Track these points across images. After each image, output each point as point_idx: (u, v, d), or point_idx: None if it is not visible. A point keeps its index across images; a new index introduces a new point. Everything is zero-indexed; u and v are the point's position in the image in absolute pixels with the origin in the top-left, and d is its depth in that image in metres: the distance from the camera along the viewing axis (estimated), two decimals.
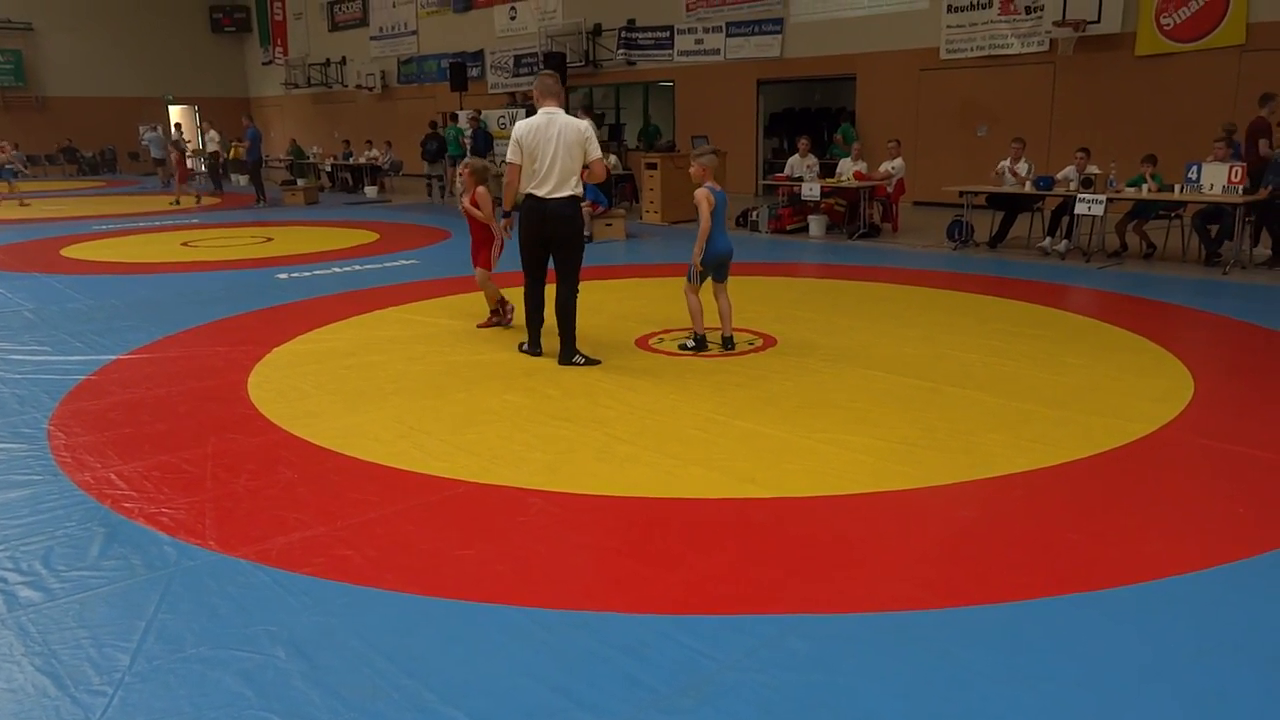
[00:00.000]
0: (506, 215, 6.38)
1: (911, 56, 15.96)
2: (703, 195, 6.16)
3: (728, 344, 6.41)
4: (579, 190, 6.02)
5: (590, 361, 6.08)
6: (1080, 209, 10.07)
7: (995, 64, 15.05)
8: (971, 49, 15.25)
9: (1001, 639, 2.83)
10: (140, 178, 27.50)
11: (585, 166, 6.03)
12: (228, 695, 2.61)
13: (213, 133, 23.46)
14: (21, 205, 18.32)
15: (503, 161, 6.91)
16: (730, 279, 6.50)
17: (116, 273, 10.18)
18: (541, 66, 20.40)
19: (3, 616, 3.04)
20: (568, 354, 6.10)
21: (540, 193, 5.88)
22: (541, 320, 6.30)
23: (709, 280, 6.36)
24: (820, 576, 3.24)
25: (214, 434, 4.78)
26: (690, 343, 6.42)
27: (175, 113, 31.71)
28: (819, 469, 4.22)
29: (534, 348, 6.32)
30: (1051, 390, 5.39)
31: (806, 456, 4.38)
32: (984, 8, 14.98)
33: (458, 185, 6.90)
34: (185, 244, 12.87)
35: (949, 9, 15.35)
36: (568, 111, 6.08)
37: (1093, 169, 10.55)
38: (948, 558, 3.37)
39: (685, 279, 6.35)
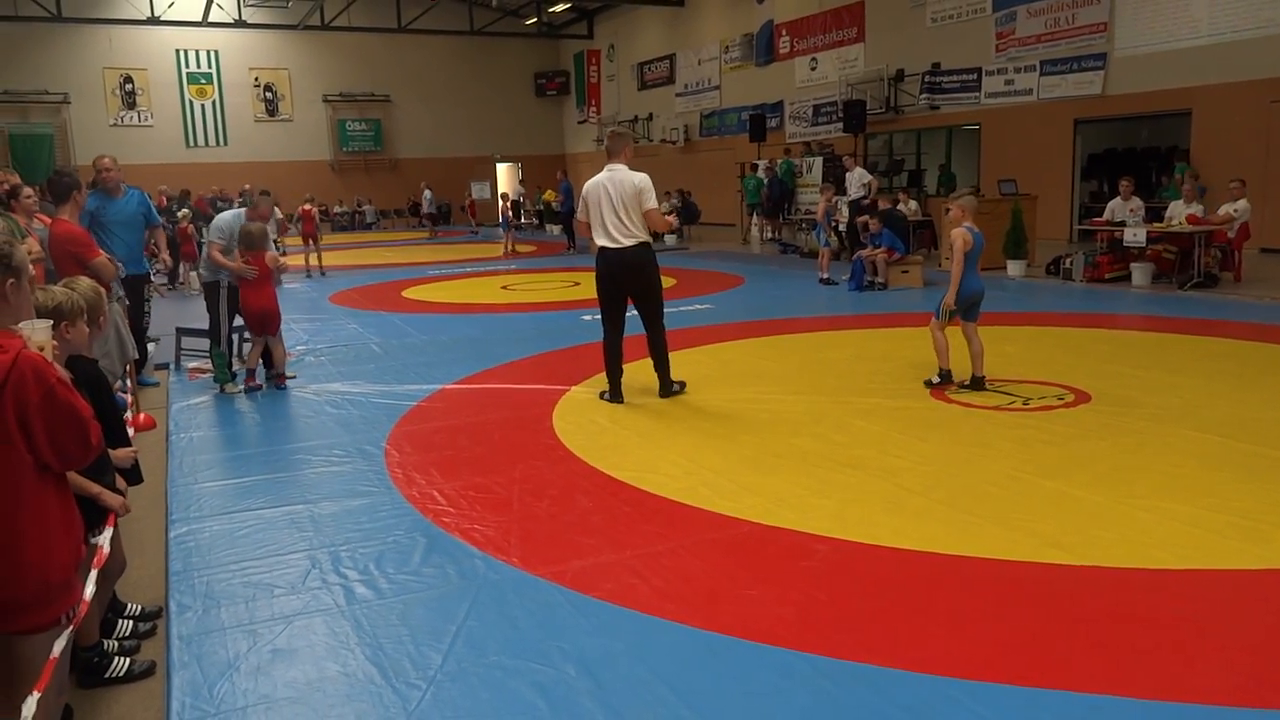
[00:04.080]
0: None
1: (1260, 87, 14.22)
2: (959, 235, 6.28)
3: (978, 384, 6.34)
4: (646, 237, 6.24)
5: (682, 385, 6.54)
6: None
7: None
8: None
9: None
10: (467, 228, 30.56)
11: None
12: (523, 704, 2.78)
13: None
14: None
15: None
16: (1037, 329, 6.13)
17: (446, 312, 11.33)
18: (840, 115, 20.38)
19: (343, 609, 3.45)
20: (666, 388, 6.46)
21: (609, 244, 6.20)
22: (620, 370, 6.45)
23: (959, 319, 6.43)
24: (1131, 656, 2.92)
25: (521, 461, 5.17)
26: (936, 379, 6.47)
27: (501, 170, 34.97)
28: (1136, 538, 3.82)
29: (615, 396, 6.42)
30: None
31: (1122, 524, 3.98)
32: None
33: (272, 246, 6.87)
34: (505, 287, 14.09)
35: None
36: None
37: None
38: None
39: (934, 316, 6.46)
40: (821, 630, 3.16)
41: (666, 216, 6.77)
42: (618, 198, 6.16)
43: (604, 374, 6.48)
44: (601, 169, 6.34)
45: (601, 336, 6.48)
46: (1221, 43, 14.67)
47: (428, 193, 26.58)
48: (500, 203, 22.77)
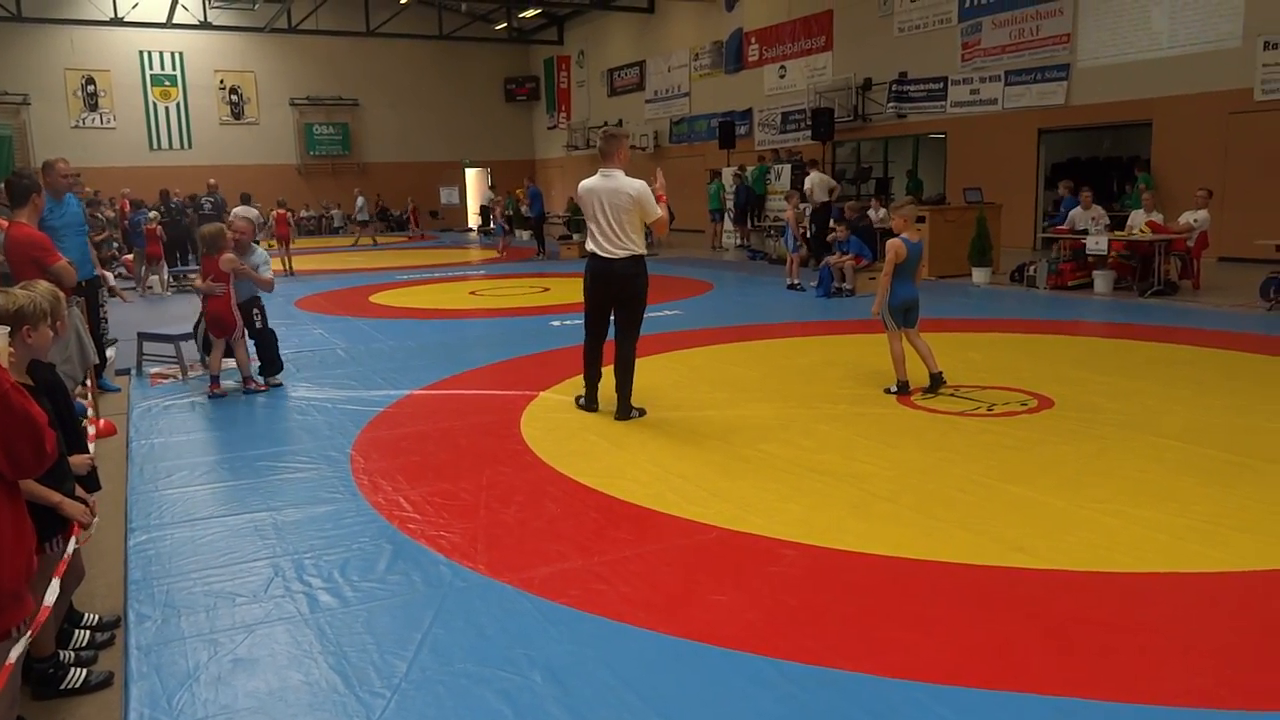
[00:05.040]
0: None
1: (1219, 98, 14.51)
2: (893, 245, 6.39)
3: (937, 381, 6.48)
4: (639, 249, 6.00)
5: (641, 412, 6.15)
6: None
7: None
8: None
9: None
10: (438, 233, 30.37)
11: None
12: (489, 712, 2.76)
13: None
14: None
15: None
16: (1001, 335, 6.20)
17: (414, 317, 11.25)
18: (809, 122, 20.52)
19: (306, 617, 3.40)
20: (624, 410, 6.10)
21: (600, 252, 5.98)
22: (599, 376, 6.29)
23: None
24: (1095, 659, 2.95)
25: (489, 466, 5.13)
26: (894, 389, 6.53)
27: (470, 175, 34.83)
28: (1100, 542, 3.86)
29: (590, 403, 6.31)
30: None
31: (1086, 528, 4.03)
32: None
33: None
34: (473, 293, 14.02)
35: (1266, 46, 13.86)
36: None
37: None
38: (1252, 654, 2.96)
39: (884, 328, 6.61)
40: (789, 635, 3.16)
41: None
42: (611, 208, 5.89)
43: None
44: (573, 174, 6.25)
45: (581, 340, 6.33)
46: (1181, 55, 14.96)
47: (360, 199, 26.04)
48: (493, 210, 23.09)
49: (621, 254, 5.96)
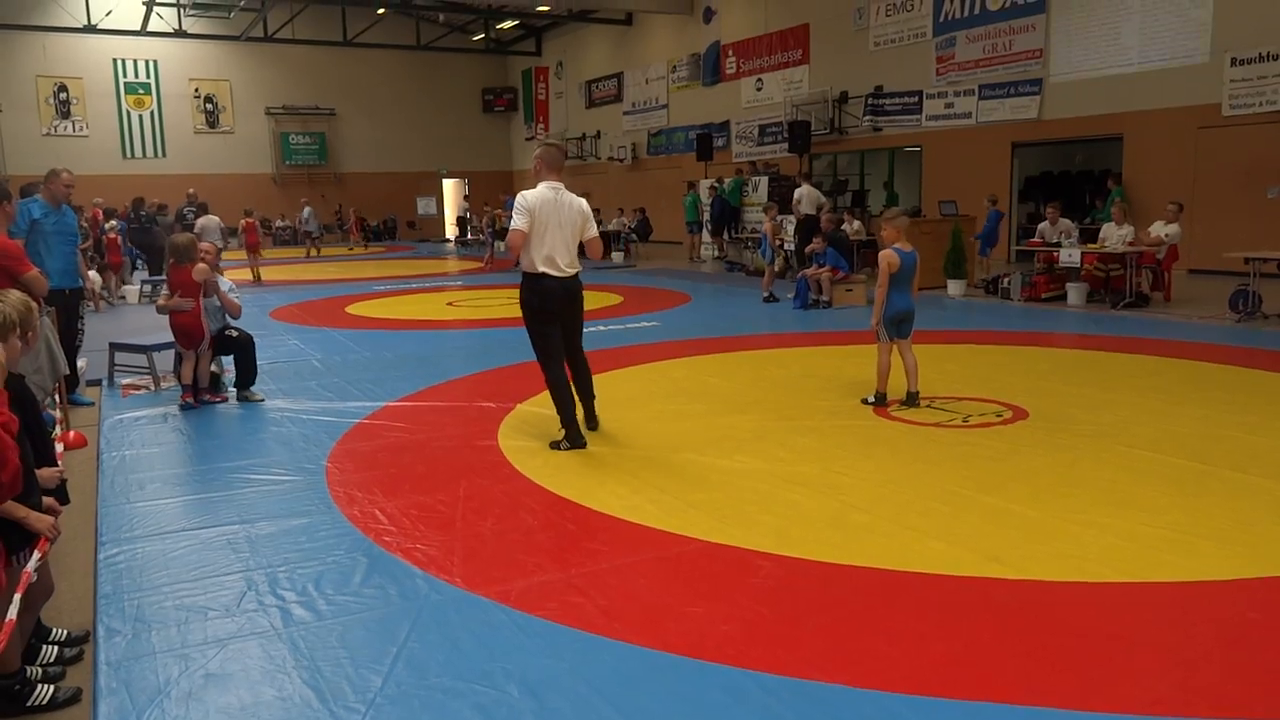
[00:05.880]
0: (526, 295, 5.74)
1: (1188, 113, 14.75)
2: (885, 256, 6.40)
3: (912, 400, 6.44)
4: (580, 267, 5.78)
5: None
6: None
7: None
8: (1261, 104, 13.89)
9: None
10: (415, 244, 30.25)
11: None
12: None
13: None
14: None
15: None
16: (976, 347, 6.24)
17: (391, 328, 11.19)
18: (786, 135, 20.64)
19: (280, 631, 3.37)
20: (595, 416, 6.02)
21: (554, 272, 5.58)
22: (575, 404, 5.80)
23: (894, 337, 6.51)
24: (1068, 669, 2.97)
25: (466, 478, 5.11)
26: (871, 399, 6.55)
27: (448, 185, 34.74)
28: (1073, 552, 3.90)
29: (577, 439, 5.67)
30: None
31: (1059, 538, 4.06)
32: (1276, 59, 13.64)
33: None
34: (450, 304, 13.97)
35: (1233, 62, 14.10)
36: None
37: None
38: (1219, 663, 3.00)
39: (875, 338, 6.58)
40: (767, 647, 3.16)
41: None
42: (569, 223, 5.63)
43: (539, 396, 6.20)
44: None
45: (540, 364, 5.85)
46: (1151, 71, 15.20)
47: (307, 209, 25.50)
48: (479, 219, 23.07)
49: (574, 271, 5.71)
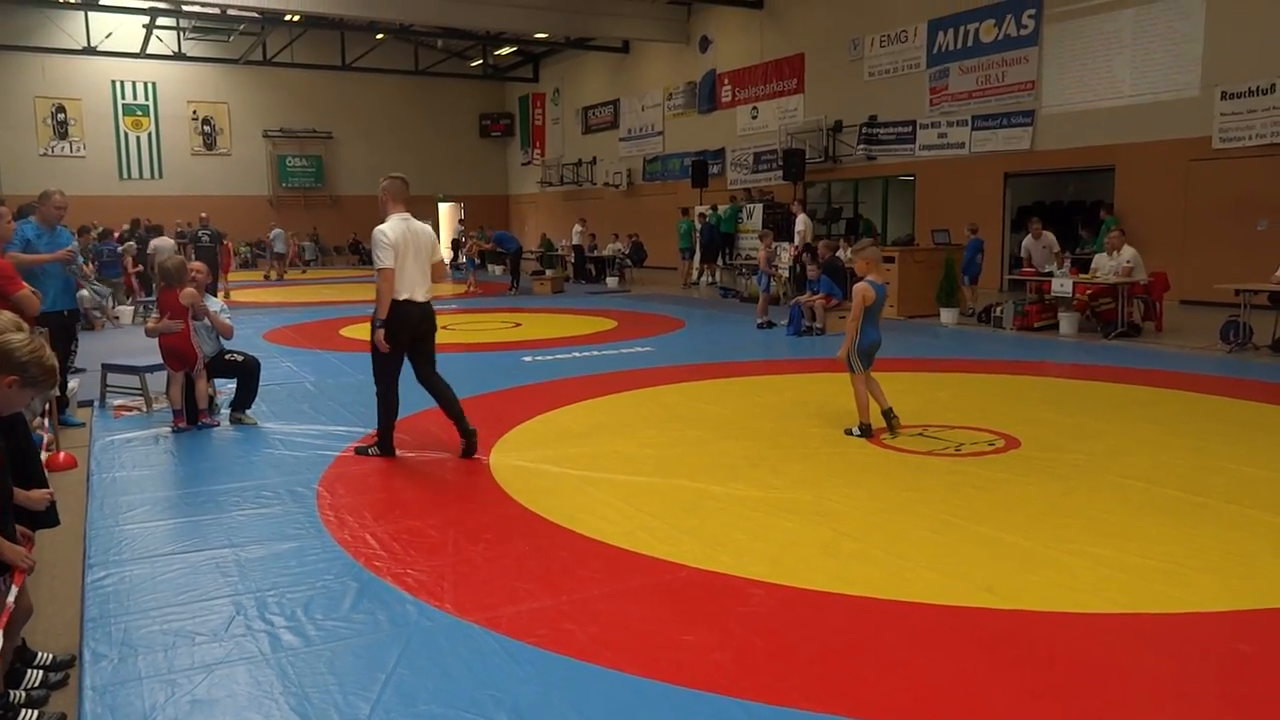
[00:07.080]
0: (383, 324, 5.84)
1: (1179, 146, 14.89)
2: (860, 289, 6.46)
3: (889, 415, 6.51)
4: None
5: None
6: None
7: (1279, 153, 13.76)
8: (1250, 137, 14.04)
9: None
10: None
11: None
12: None
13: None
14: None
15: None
16: (968, 375, 6.27)
17: None
18: (780, 162, 20.78)
19: (268, 656, 3.34)
20: (473, 437, 6.05)
21: (414, 297, 5.86)
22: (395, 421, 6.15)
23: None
24: (1060, 700, 2.95)
25: (457, 503, 5.09)
26: (856, 431, 6.52)
27: (444, 209, 34.87)
28: (1065, 583, 3.89)
29: (389, 448, 6.11)
30: None
31: (1051, 569, 4.05)
32: (1265, 93, 13.80)
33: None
34: (444, 327, 13.92)
35: (1224, 95, 14.27)
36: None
37: None
38: (1214, 695, 2.99)
39: (849, 370, 6.59)
40: (758, 676, 3.14)
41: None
42: (423, 251, 5.93)
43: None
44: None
45: (381, 391, 6.11)
46: (1142, 104, 15.36)
47: (278, 230, 25.38)
48: (466, 242, 23.16)
49: (429, 296, 5.99)
